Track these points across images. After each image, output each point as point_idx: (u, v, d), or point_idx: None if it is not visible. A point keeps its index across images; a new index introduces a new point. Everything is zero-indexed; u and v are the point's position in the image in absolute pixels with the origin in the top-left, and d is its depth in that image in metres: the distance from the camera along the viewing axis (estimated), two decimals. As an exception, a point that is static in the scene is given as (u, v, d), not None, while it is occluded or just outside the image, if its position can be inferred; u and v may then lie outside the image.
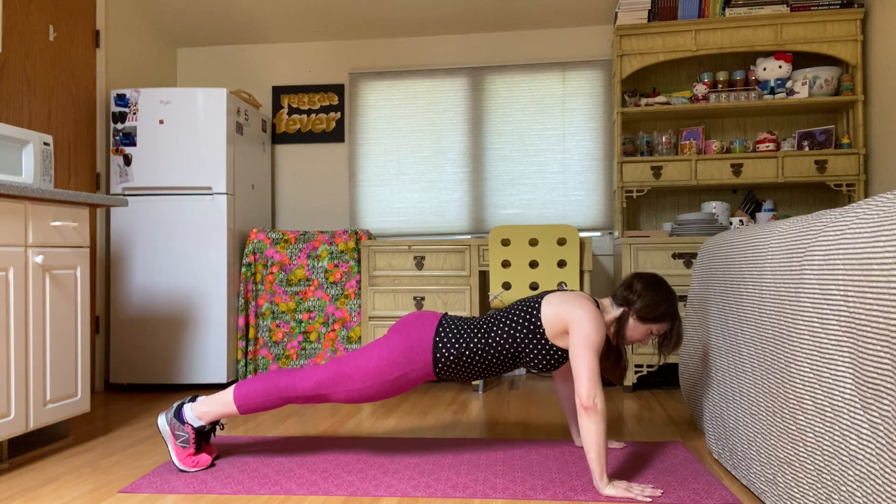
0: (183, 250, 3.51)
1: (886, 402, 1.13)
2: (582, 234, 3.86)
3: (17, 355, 2.18)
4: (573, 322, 1.94)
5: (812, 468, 1.39)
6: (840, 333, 1.27)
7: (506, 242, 3.35)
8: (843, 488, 1.27)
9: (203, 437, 2.13)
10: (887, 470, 1.13)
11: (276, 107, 4.34)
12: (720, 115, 3.84)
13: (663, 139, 3.77)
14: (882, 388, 1.14)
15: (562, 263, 3.32)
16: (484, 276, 3.84)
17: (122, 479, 2.04)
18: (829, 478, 1.33)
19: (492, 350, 2.05)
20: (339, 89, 4.29)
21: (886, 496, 1.13)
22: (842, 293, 1.27)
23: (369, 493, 1.86)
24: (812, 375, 1.38)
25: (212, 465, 2.13)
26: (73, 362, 2.46)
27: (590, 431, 1.84)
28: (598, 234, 4.05)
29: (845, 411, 1.26)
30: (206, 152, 3.53)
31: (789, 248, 1.52)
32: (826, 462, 1.33)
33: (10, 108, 2.98)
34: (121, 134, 3.56)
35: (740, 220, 3.56)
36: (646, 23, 3.62)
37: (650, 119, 3.91)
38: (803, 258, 1.44)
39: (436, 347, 2.04)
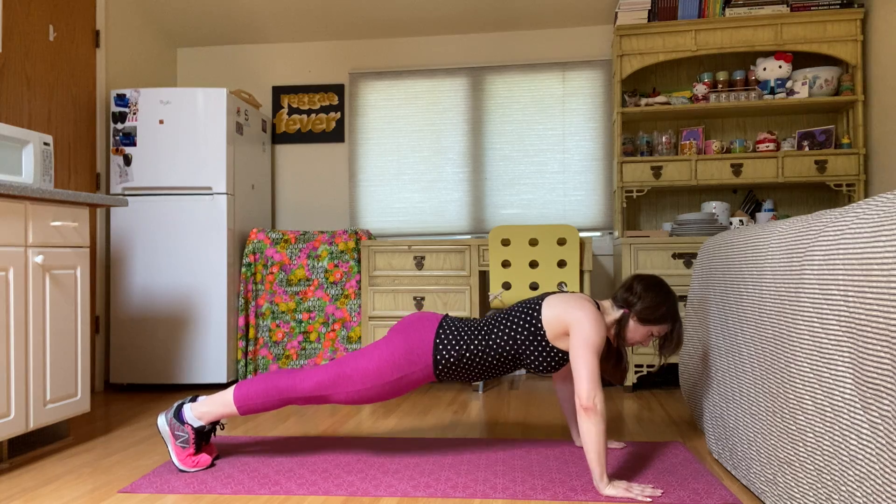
0: (183, 250, 3.51)
1: (886, 402, 1.12)
2: (582, 234, 3.86)
3: (17, 355, 2.18)
4: (574, 323, 1.94)
5: (812, 468, 1.39)
6: (840, 333, 1.27)
7: (506, 242, 3.35)
8: (843, 488, 1.27)
9: (203, 438, 2.13)
10: (887, 470, 1.13)
11: (276, 107, 4.34)
12: (720, 115, 3.84)
13: (663, 139, 3.77)
14: (882, 388, 1.14)
15: (562, 263, 3.32)
16: (484, 276, 3.84)
17: (122, 479, 2.04)
18: (829, 478, 1.32)
19: (492, 352, 2.05)
20: (339, 89, 4.29)
21: (886, 496, 1.13)
22: (842, 293, 1.27)
23: (369, 493, 1.86)
24: (812, 375, 1.38)
25: (212, 465, 2.13)
26: (73, 362, 2.46)
27: (590, 432, 1.84)
28: (598, 234, 4.05)
29: (845, 411, 1.26)
30: (206, 152, 3.53)
31: (789, 248, 1.52)
32: (826, 462, 1.33)
33: (10, 108, 2.98)
34: (121, 134, 3.56)
35: (740, 220, 3.56)
36: (646, 23, 3.63)
37: (650, 119, 3.91)
38: (803, 258, 1.44)
39: (436, 349, 2.04)
